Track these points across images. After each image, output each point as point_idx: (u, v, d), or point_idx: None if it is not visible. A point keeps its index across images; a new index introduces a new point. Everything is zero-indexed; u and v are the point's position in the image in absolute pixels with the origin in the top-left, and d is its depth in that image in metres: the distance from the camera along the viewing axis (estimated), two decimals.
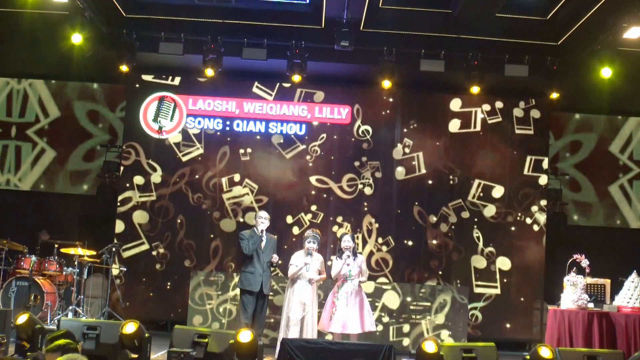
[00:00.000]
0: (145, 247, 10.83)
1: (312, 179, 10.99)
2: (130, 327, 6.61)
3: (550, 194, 11.19)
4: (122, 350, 6.67)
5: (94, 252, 10.01)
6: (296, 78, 10.26)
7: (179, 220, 10.86)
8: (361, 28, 10.09)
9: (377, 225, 10.93)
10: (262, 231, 8.43)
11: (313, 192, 10.96)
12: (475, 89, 10.31)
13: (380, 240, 10.91)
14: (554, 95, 10.46)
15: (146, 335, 6.73)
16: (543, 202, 10.97)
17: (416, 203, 10.97)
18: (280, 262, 8.59)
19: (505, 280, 10.84)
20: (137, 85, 11.10)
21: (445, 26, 10.04)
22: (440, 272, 10.85)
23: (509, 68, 10.19)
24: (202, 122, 11.04)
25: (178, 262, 10.82)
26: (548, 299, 10.46)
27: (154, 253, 10.82)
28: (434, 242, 10.89)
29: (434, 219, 10.94)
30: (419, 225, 10.94)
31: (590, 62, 9.90)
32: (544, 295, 10.76)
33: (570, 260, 8.42)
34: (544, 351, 6.66)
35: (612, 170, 11.76)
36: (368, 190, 10.99)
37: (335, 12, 9.72)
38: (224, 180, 10.97)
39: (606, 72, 9.64)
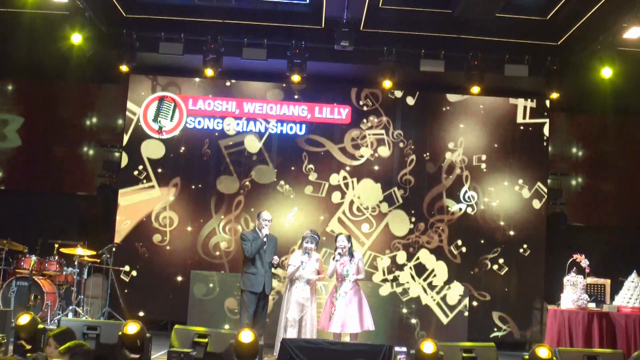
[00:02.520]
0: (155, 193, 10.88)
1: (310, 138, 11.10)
2: (132, 328, 6.61)
3: (550, 194, 11.20)
4: (122, 350, 6.66)
5: (94, 252, 10.01)
6: (296, 78, 10.26)
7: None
8: (361, 28, 10.09)
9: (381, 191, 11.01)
10: (265, 235, 8.44)
11: (312, 155, 11.05)
12: (475, 89, 10.32)
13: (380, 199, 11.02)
14: (554, 95, 10.46)
15: (147, 335, 6.73)
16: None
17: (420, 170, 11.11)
18: (278, 264, 8.57)
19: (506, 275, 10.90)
20: (137, 85, 11.10)
21: (445, 26, 10.04)
22: (442, 233, 10.90)
23: (509, 68, 10.19)
24: (202, 122, 11.04)
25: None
26: (548, 299, 10.47)
27: (155, 225, 10.84)
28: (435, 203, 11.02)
29: (431, 167, 11.03)
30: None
31: (590, 62, 9.89)
32: (544, 295, 10.77)
33: (570, 260, 8.43)
34: (542, 351, 6.65)
35: (612, 170, 11.75)
36: (371, 155, 11.09)
37: (335, 12, 9.72)
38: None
39: (606, 72, 9.63)
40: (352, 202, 10.96)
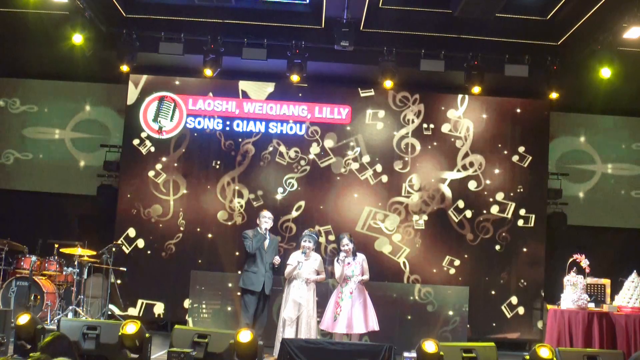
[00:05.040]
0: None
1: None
2: (131, 328, 6.61)
3: (550, 194, 11.21)
4: (122, 350, 6.66)
5: (94, 252, 10.01)
6: (295, 78, 10.26)
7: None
8: (361, 28, 10.09)
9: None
10: (265, 229, 8.44)
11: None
12: (476, 89, 10.32)
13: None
14: (554, 95, 10.47)
15: (147, 335, 6.73)
16: None
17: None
18: (279, 265, 8.57)
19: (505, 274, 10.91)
20: (137, 85, 11.11)
21: (445, 26, 10.05)
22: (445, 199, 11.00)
23: (509, 68, 10.19)
24: (202, 122, 11.04)
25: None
26: (548, 299, 10.47)
27: (156, 193, 10.89)
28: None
29: (432, 133, 11.08)
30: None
31: (590, 62, 9.89)
32: (544, 295, 10.77)
33: (570, 260, 8.43)
34: (543, 351, 6.66)
35: (612, 170, 11.75)
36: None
37: (335, 12, 9.72)
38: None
39: (606, 72, 9.64)
40: (349, 170, 11.03)
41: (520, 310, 10.76)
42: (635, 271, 8.40)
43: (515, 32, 10.14)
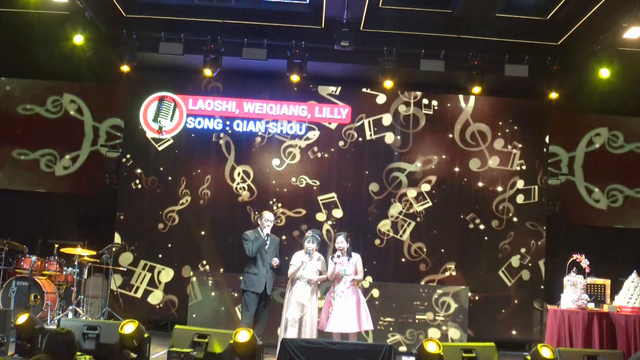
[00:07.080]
0: None
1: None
2: (129, 327, 6.62)
3: (551, 194, 11.21)
4: (122, 350, 6.67)
5: (94, 252, 10.01)
6: (295, 78, 10.26)
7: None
8: (361, 28, 10.09)
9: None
10: (267, 235, 8.45)
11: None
12: (476, 89, 10.32)
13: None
14: (554, 95, 10.47)
15: (145, 335, 6.73)
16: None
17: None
18: (278, 266, 8.56)
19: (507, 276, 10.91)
20: (137, 86, 11.10)
21: (445, 26, 10.04)
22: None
23: (509, 68, 10.19)
24: (202, 122, 11.04)
25: None
26: (548, 299, 10.47)
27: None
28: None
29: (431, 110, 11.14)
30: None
31: (590, 62, 9.90)
32: (544, 295, 10.77)
33: (570, 260, 8.43)
34: (545, 351, 6.67)
35: (612, 169, 11.76)
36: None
37: (335, 12, 9.72)
38: None
39: (605, 73, 9.64)
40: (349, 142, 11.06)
41: (525, 274, 10.79)
42: (635, 271, 8.39)
43: (515, 32, 10.13)
